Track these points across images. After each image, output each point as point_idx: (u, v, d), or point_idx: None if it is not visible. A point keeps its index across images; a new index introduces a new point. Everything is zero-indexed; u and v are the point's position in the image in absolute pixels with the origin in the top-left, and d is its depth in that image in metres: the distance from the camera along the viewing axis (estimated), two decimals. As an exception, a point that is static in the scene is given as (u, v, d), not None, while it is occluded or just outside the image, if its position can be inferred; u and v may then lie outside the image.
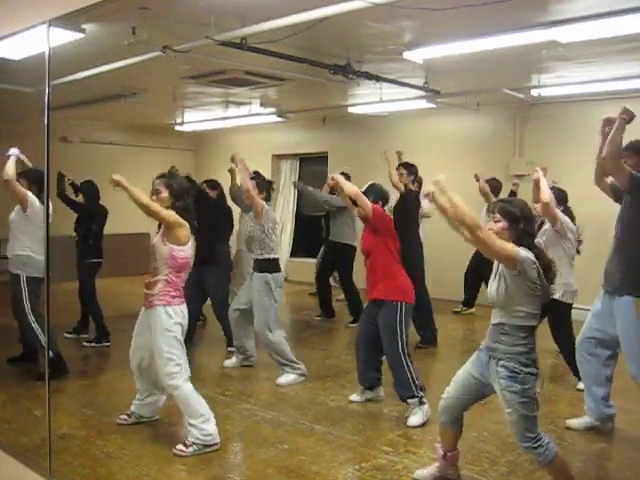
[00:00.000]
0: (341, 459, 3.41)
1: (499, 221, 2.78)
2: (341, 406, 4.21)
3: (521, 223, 2.76)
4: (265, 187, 4.90)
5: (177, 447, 3.38)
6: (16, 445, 3.48)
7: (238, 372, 5.00)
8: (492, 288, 2.79)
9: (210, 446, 3.40)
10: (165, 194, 3.42)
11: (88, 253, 5.63)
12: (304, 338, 6.44)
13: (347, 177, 6.62)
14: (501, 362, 2.73)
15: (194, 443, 3.37)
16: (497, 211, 2.82)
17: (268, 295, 4.69)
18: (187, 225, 3.44)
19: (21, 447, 3.47)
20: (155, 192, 3.43)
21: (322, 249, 7.44)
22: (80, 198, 5.70)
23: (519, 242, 2.73)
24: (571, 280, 4.37)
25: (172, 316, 3.38)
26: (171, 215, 3.39)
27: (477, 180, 6.60)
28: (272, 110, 8.67)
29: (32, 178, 4.56)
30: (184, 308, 3.48)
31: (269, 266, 4.73)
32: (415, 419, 3.88)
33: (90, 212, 5.67)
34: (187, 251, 3.46)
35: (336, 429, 3.83)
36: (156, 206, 3.36)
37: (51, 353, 4.11)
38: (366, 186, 4.20)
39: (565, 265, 4.27)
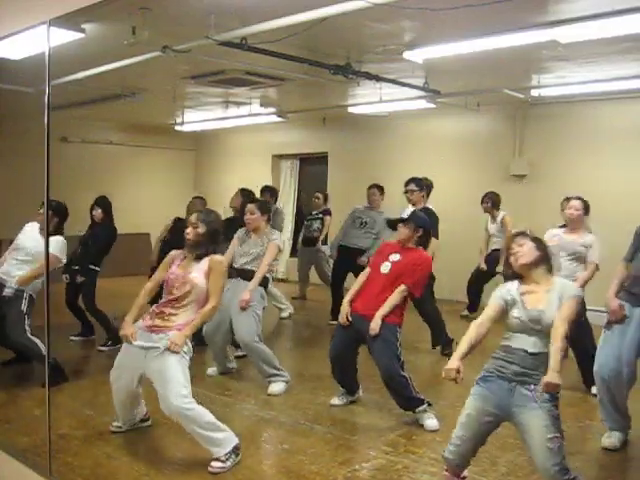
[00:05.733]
0: (341, 459, 3.41)
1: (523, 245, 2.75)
2: (341, 406, 4.21)
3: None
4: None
5: (213, 465, 3.21)
6: (16, 445, 3.48)
7: (238, 372, 5.00)
8: (547, 315, 2.61)
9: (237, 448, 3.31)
10: (202, 230, 3.44)
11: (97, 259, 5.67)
12: (304, 338, 6.44)
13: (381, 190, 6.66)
14: (536, 386, 2.55)
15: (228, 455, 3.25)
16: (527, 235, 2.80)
17: (259, 307, 4.56)
18: None
19: (21, 447, 3.47)
20: (192, 225, 3.45)
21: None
22: (99, 212, 5.70)
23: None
24: None
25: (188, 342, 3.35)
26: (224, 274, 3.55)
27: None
28: (272, 110, 8.67)
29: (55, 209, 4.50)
30: None
31: (264, 280, 4.65)
32: (434, 422, 3.80)
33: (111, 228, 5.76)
34: None
35: (336, 429, 3.83)
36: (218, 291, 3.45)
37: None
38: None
39: None
